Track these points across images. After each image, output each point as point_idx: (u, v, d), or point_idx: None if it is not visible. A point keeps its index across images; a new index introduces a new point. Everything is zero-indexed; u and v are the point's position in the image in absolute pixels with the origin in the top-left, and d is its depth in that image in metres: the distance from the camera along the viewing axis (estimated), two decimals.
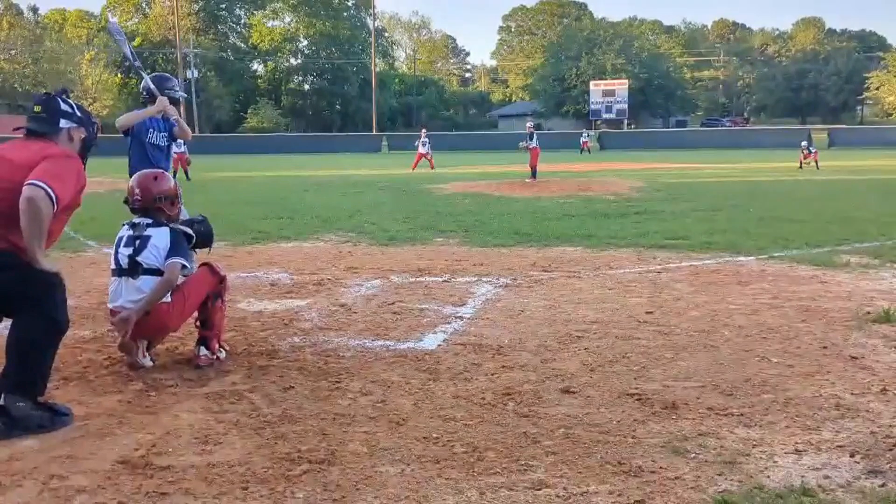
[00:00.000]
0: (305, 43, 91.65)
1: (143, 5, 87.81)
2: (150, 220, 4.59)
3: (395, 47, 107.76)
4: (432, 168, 29.50)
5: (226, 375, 4.40)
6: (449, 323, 5.60)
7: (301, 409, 3.84)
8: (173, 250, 4.48)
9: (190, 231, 4.74)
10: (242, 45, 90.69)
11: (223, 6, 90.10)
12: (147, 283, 4.40)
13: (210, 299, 4.66)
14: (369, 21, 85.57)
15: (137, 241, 4.50)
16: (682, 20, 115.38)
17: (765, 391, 4.05)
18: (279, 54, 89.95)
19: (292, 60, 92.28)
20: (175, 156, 23.40)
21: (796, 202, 14.83)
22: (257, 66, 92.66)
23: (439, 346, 5.01)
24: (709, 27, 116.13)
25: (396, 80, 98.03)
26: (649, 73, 79.36)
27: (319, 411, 3.81)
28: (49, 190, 3.49)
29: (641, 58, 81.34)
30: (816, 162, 27.46)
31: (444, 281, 7.20)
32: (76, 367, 4.57)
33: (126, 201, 4.71)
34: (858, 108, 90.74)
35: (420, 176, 24.83)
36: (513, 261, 8.29)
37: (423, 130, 33.58)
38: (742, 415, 3.71)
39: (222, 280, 4.78)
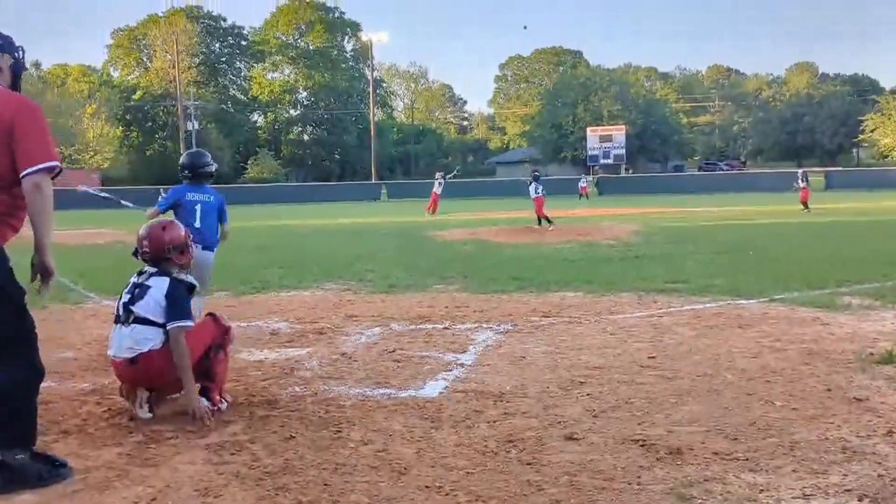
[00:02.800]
0: (305, 94, 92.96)
1: (144, 59, 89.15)
2: (155, 270, 4.60)
3: (393, 97, 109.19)
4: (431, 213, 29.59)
5: (226, 426, 4.36)
6: (450, 370, 5.57)
7: (302, 460, 3.81)
8: (172, 310, 4.43)
9: (192, 281, 4.74)
10: (242, 96, 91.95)
11: (223, 59, 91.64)
12: (139, 331, 4.40)
13: (212, 350, 4.64)
14: (367, 72, 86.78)
15: (137, 290, 4.53)
16: (676, 67, 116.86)
17: (770, 435, 4.01)
18: (279, 105, 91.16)
19: (292, 111, 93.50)
20: None
21: (795, 244, 14.85)
22: (257, 118, 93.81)
23: (441, 393, 4.98)
24: (703, 73, 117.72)
25: (395, 129, 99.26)
26: (646, 118, 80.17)
27: (321, 461, 3.78)
28: (52, 165, 3.44)
29: (637, 104, 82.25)
30: (805, 202, 26.84)
31: (445, 328, 7.19)
32: (76, 419, 4.53)
33: (135, 252, 4.73)
34: (854, 150, 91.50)
35: (420, 223, 24.92)
36: (513, 307, 8.28)
37: (439, 173, 33.51)
38: (748, 459, 3.67)
39: (227, 331, 4.77)
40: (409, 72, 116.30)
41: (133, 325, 4.42)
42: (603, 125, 75.80)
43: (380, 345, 6.51)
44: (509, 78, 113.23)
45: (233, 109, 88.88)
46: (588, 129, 75.16)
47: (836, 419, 4.24)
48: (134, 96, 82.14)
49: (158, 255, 4.63)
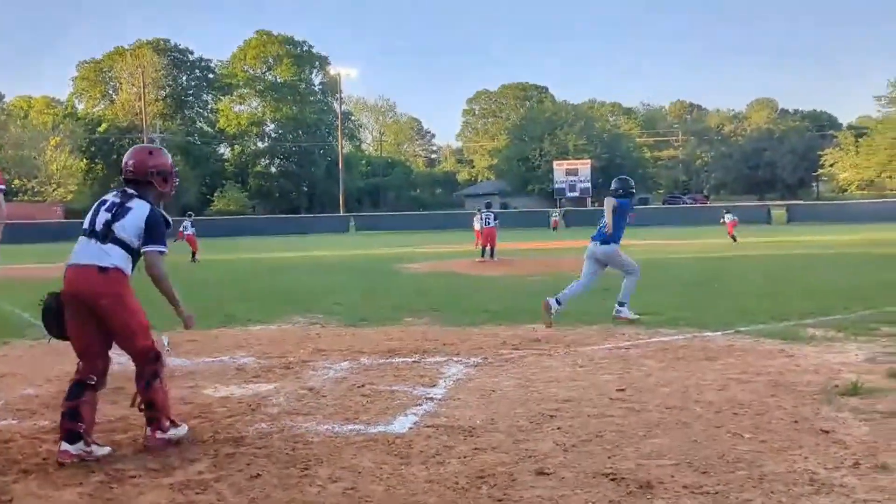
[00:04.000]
0: (272, 126, 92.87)
1: (110, 92, 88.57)
2: (136, 193, 4.60)
3: (361, 130, 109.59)
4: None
5: (191, 464, 4.27)
6: (420, 405, 5.53)
7: (269, 499, 3.73)
8: (150, 234, 4.49)
9: (169, 219, 4.72)
10: (209, 129, 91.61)
11: (190, 92, 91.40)
12: (114, 250, 4.41)
13: (148, 380, 4.53)
14: (335, 105, 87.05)
15: (117, 209, 4.53)
16: (640, 102, 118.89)
17: (739, 468, 4.02)
18: (246, 138, 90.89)
19: (259, 144, 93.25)
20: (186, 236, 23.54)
21: (759, 277, 15.07)
22: (224, 150, 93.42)
23: (410, 428, 4.93)
24: (666, 108, 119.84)
25: (363, 162, 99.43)
26: (610, 152, 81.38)
27: (288, 500, 3.71)
28: None
29: (602, 138, 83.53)
30: (733, 235, 28.87)
31: (415, 361, 7.14)
32: (35, 458, 4.40)
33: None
34: (814, 184, 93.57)
35: (389, 255, 24.88)
36: (483, 340, 8.26)
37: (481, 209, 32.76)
38: (717, 493, 3.68)
39: (157, 357, 4.63)
40: (377, 105, 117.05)
41: (110, 244, 4.42)
42: (569, 159, 76.72)
43: (348, 379, 6.44)
44: (477, 112, 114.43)
45: (199, 142, 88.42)
46: (554, 163, 75.98)
47: (804, 451, 4.27)
48: (99, 129, 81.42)
49: (140, 177, 4.63)
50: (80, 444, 4.31)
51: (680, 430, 4.75)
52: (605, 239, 9.13)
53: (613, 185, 9.55)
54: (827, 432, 4.61)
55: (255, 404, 5.65)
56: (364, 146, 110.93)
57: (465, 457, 4.32)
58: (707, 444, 4.45)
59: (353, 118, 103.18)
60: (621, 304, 9.26)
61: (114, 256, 4.40)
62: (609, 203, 9.19)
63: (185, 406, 5.46)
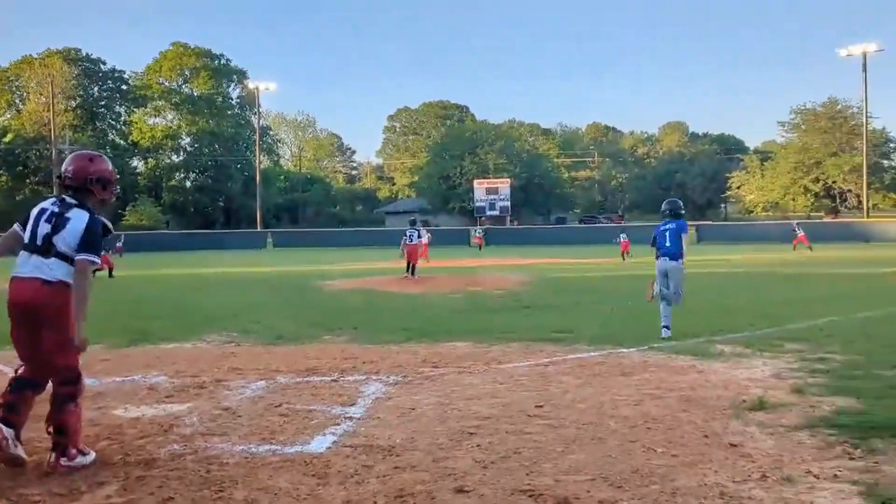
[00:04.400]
0: (188, 140, 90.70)
1: (17, 101, 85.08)
2: (75, 202, 4.51)
3: (280, 145, 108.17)
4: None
5: (99, 487, 4.10)
6: (338, 424, 5.46)
7: None
8: (86, 243, 4.42)
9: (109, 225, 4.66)
10: (122, 141, 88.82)
11: (102, 103, 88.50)
12: (57, 264, 4.37)
13: (64, 401, 4.39)
14: (254, 119, 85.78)
15: (56, 219, 4.46)
16: (557, 123, 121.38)
17: (652, 482, 4.11)
18: (160, 151, 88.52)
19: (174, 157, 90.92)
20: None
21: None
22: (137, 163, 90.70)
23: (328, 448, 4.86)
24: (583, 130, 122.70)
25: (282, 177, 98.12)
26: (530, 172, 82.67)
27: None
28: None
29: (522, 158, 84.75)
30: (624, 254, 31.14)
31: (333, 380, 7.06)
32: None
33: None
34: (723, 205, 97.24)
35: (308, 273, 24.58)
36: (403, 358, 8.24)
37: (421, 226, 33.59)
38: None
39: (78, 380, 4.48)
40: (296, 120, 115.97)
41: (53, 259, 4.38)
42: (489, 177, 77.58)
43: (265, 399, 6.32)
44: (398, 129, 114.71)
45: (111, 154, 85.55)
46: (475, 181, 76.71)
47: (714, 465, 4.40)
48: (4, 139, 78.00)
49: (79, 184, 4.55)
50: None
51: (596, 445, 4.83)
52: (673, 255, 9.70)
53: (667, 207, 10.16)
54: (735, 446, 4.76)
55: (168, 425, 5.47)
56: (283, 161, 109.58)
57: (384, 476, 4.29)
58: (622, 458, 4.53)
59: (271, 133, 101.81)
60: (666, 327, 9.54)
61: (57, 270, 4.38)
62: (678, 226, 9.82)
63: (94, 428, 5.24)
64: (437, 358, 8.17)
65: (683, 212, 10.18)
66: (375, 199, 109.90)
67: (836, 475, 4.18)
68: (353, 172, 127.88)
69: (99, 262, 4.57)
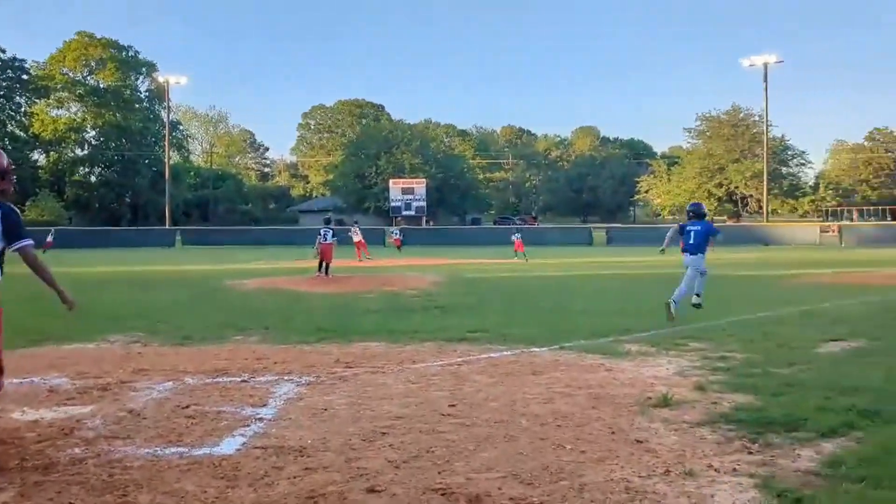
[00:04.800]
0: (93, 133, 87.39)
1: None
2: None
3: (190, 140, 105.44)
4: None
5: None
6: (248, 425, 5.36)
7: None
8: (13, 232, 4.58)
9: (17, 209, 4.68)
10: (22, 133, 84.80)
11: (1, 94, 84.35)
12: None
13: None
14: (163, 114, 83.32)
15: None
16: (473, 125, 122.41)
17: (562, 478, 4.20)
18: (63, 144, 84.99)
19: (78, 151, 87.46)
20: None
21: (583, 295, 15.86)
22: (38, 156, 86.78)
23: (238, 450, 4.77)
24: (498, 132, 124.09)
25: (192, 174, 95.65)
26: (445, 172, 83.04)
27: None
28: None
29: (437, 158, 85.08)
30: (517, 252, 32.65)
31: (243, 381, 6.93)
32: None
33: None
34: (632, 208, 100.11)
35: (217, 272, 24.04)
36: (315, 358, 8.15)
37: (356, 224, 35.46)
38: (542, 503, 3.82)
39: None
40: (208, 115, 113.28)
41: None
42: (405, 177, 77.60)
43: (172, 400, 6.15)
44: (312, 127, 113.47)
45: (10, 146, 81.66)
46: (391, 181, 76.61)
47: (620, 460, 4.52)
48: None
49: None
50: None
51: (508, 443, 4.90)
52: (693, 251, 11.52)
53: (691, 209, 12.25)
54: (641, 442, 4.91)
55: (69, 428, 5.27)
56: (193, 157, 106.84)
57: (294, 477, 4.24)
58: (533, 455, 4.61)
59: (181, 128, 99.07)
60: (698, 295, 11.64)
61: None
62: (706, 229, 11.82)
63: None
64: (351, 358, 8.12)
65: (706, 213, 12.29)
66: (289, 197, 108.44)
67: (735, 469, 4.36)
68: (267, 170, 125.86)
69: (33, 241, 4.71)
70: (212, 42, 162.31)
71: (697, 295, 11.63)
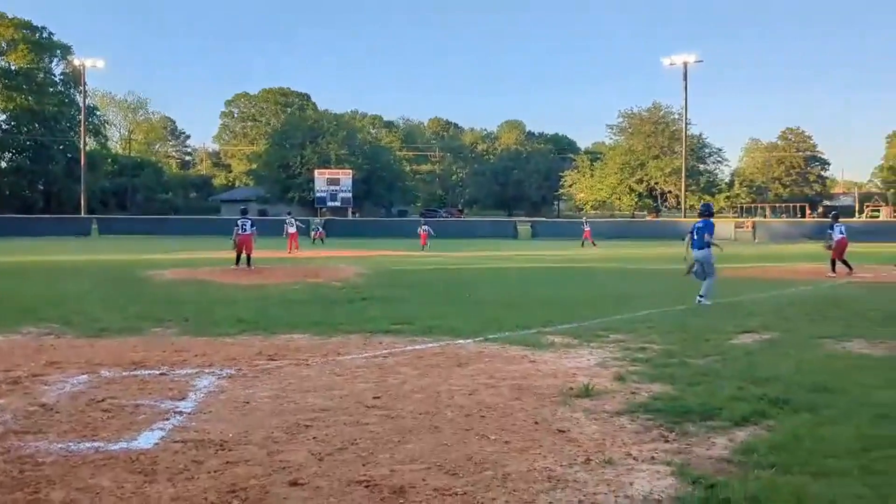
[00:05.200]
0: (3, 118, 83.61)
1: None
2: None
3: (108, 126, 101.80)
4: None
5: None
6: (167, 419, 5.24)
7: None
8: None
9: None
10: None
11: None
12: None
13: None
14: (79, 98, 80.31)
15: None
16: (400, 116, 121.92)
17: (486, 468, 4.24)
18: None
19: None
20: None
21: (507, 287, 16.03)
22: None
23: (156, 444, 4.66)
24: (425, 124, 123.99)
25: (109, 161, 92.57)
26: (372, 164, 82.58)
27: None
28: None
29: (364, 149, 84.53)
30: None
31: (162, 374, 6.77)
32: None
33: None
34: (556, 202, 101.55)
35: (135, 262, 23.36)
36: (237, 350, 8.01)
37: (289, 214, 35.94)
38: (465, 493, 3.85)
39: None
40: (126, 101, 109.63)
41: None
42: (331, 168, 76.83)
43: (87, 394, 5.96)
44: (235, 115, 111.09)
45: None
46: (316, 171, 75.74)
47: (543, 450, 4.60)
48: None
49: None
50: None
51: (432, 434, 4.92)
52: (701, 246, 12.68)
53: (702, 208, 13.69)
54: (563, 431, 5.00)
55: None
56: (111, 144, 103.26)
57: (215, 471, 4.16)
58: (457, 446, 4.64)
59: (98, 113, 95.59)
60: (702, 297, 12.43)
61: None
62: (706, 226, 12.84)
63: None
64: (274, 350, 8.02)
65: (711, 213, 13.52)
66: (211, 186, 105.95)
67: (653, 457, 4.48)
68: (188, 158, 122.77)
69: None
70: (131, 25, 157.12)
71: (701, 296, 12.44)
